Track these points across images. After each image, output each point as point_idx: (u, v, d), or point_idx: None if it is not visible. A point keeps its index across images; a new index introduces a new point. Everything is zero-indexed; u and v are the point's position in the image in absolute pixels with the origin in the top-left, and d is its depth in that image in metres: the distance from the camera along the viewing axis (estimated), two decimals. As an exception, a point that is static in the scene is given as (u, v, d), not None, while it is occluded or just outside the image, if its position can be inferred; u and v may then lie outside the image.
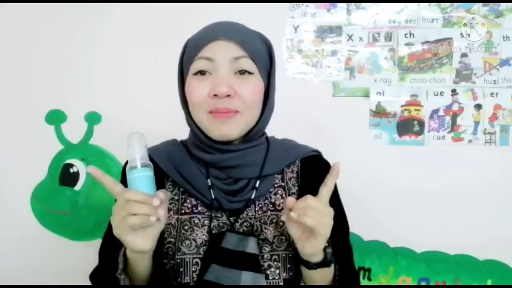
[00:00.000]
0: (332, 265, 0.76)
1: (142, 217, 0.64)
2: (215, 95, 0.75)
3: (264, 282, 0.75)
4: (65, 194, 1.41)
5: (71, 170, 1.41)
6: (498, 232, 1.34)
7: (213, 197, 0.80)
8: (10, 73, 1.41)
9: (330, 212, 0.69)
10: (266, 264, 0.77)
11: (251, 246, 0.76)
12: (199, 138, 0.81)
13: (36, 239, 1.42)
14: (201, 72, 0.77)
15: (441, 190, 1.34)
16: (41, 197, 1.42)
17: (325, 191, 0.71)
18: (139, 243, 0.66)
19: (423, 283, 1.37)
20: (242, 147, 0.81)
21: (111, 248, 0.78)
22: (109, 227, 0.83)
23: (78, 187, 1.41)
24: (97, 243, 1.41)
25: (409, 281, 1.37)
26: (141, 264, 0.73)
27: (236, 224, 0.81)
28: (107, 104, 1.39)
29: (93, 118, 1.39)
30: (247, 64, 0.77)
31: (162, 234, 0.78)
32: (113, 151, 1.40)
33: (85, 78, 1.39)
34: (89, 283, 0.83)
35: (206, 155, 0.81)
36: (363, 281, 1.36)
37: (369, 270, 1.37)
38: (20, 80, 1.40)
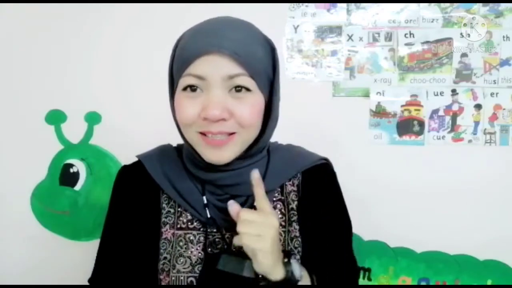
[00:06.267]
0: (308, 280, 0.71)
1: None
2: (206, 118, 0.67)
3: None
4: (65, 194, 1.41)
5: (71, 170, 1.41)
6: (498, 232, 1.34)
7: (209, 216, 0.77)
8: (10, 73, 1.41)
9: (266, 222, 0.66)
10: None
11: (247, 270, 0.72)
12: (193, 155, 0.76)
13: (36, 239, 1.42)
14: (191, 88, 0.68)
15: (441, 190, 1.34)
16: (41, 197, 1.42)
17: (258, 201, 0.69)
18: None
19: (423, 283, 1.37)
20: (241, 165, 0.75)
21: (111, 252, 0.79)
22: (105, 230, 0.83)
23: (78, 187, 1.41)
24: (97, 243, 1.41)
25: (409, 281, 1.37)
26: None
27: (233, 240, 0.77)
28: (107, 104, 1.39)
29: (93, 118, 1.39)
30: (244, 81, 0.67)
31: (158, 249, 0.77)
32: (113, 151, 1.40)
33: (85, 78, 1.39)
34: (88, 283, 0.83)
35: (202, 173, 0.76)
36: (363, 281, 1.36)
37: (369, 270, 1.37)
38: (20, 80, 1.40)
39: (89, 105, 1.39)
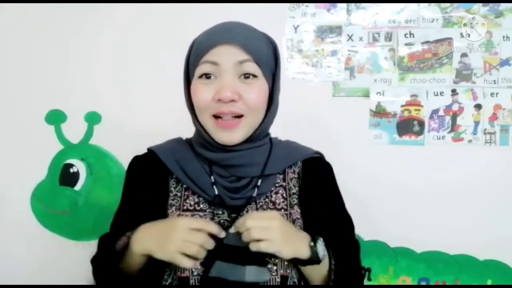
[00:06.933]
0: (327, 260, 0.78)
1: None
2: (220, 100, 0.76)
3: (268, 275, 0.77)
4: (65, 194, 1.41)
5: (71, 170, 1.41)
6: (498, 232, 1.34)
7: (216, 193, 0.81)
8: (10, 73, 1.41)
9: (267, 216, 0.75)
10: None
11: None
12: (204, 138, 0.82)
13: (36, 239, 1.42)
14: (206, 76, 0.78)
15: (441, 190, 1.34)
16: (41, 197, 1.42)
17: (246, 217, 0.73)
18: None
19: (423, 283, 1.37)
20: (246, 147, 0.82)
21: (122, 228, 0.81)
22: (118, 211, 0.88)
23: (78, 187, 1.41)
24: (97, 243, 1.41)
25: (409, 281, 1.37)
26: (140, 261, 0.76)
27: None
28: (107, 104, 1.39)
29: (93, 118, 1.39)
30: (251, 67, 0.77)
31: None
32: (113, 151, 1.40)
33: (85, 78, 1.39)
34: (88, 283, 0.84)
35: (210, 154, 0.83)
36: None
37: (369, 270, 1.37)
38: (20, 80, 1.40)
39: (89, 105, 1.39)
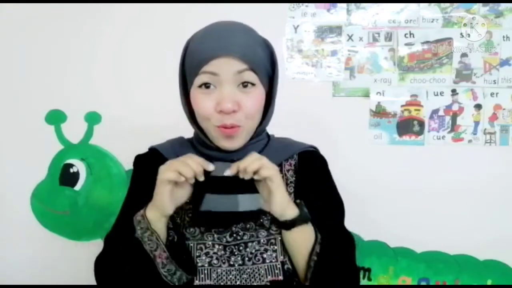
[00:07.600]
0: (312, 231, 0.80)
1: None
2: (221, 111, 0.78)
3: (262, 202, 0.77)
4: (65, 194, 1.41)
5: (71, 170, 1.41)
6: (498, 232, 1.34)
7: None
8: (10, 73, 1.41)
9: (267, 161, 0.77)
10: (262, 248, 0.81)
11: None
12: (203, 140, 0.85)
13: (36, 239, 1.42)
14: (206, 85, 0.79)
15: (441, 190, 1.34)
16: (41, 197, 1.42)
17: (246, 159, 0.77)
18: (166, 198, 0.74)
19: (423, 283, 1.37)
20: (245, 143, 0.84)
21: (127, 219, 0.82)
22: (125, 202, 0.89)
23: (78, 187, 1.41)
24: (97, 243, 1.42)
25: (409, 281, 1.37)
26: (159, 227, 0.77)
27: None
28: (107, 104, 1.39)
29: (93, 118, 1.39)
30: (250, 76, 0.79)
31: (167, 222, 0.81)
32: (113, 151, 1.40)
33: (85, 78, 1.39)
34: (88, 283, 0.84)
35: (210, 151, 0.85)
36: (363, 281, 1.37)
37: (369, 270, 1.37)
38: (20, 80, 1.40)
39: (89, 105, 1.39)
